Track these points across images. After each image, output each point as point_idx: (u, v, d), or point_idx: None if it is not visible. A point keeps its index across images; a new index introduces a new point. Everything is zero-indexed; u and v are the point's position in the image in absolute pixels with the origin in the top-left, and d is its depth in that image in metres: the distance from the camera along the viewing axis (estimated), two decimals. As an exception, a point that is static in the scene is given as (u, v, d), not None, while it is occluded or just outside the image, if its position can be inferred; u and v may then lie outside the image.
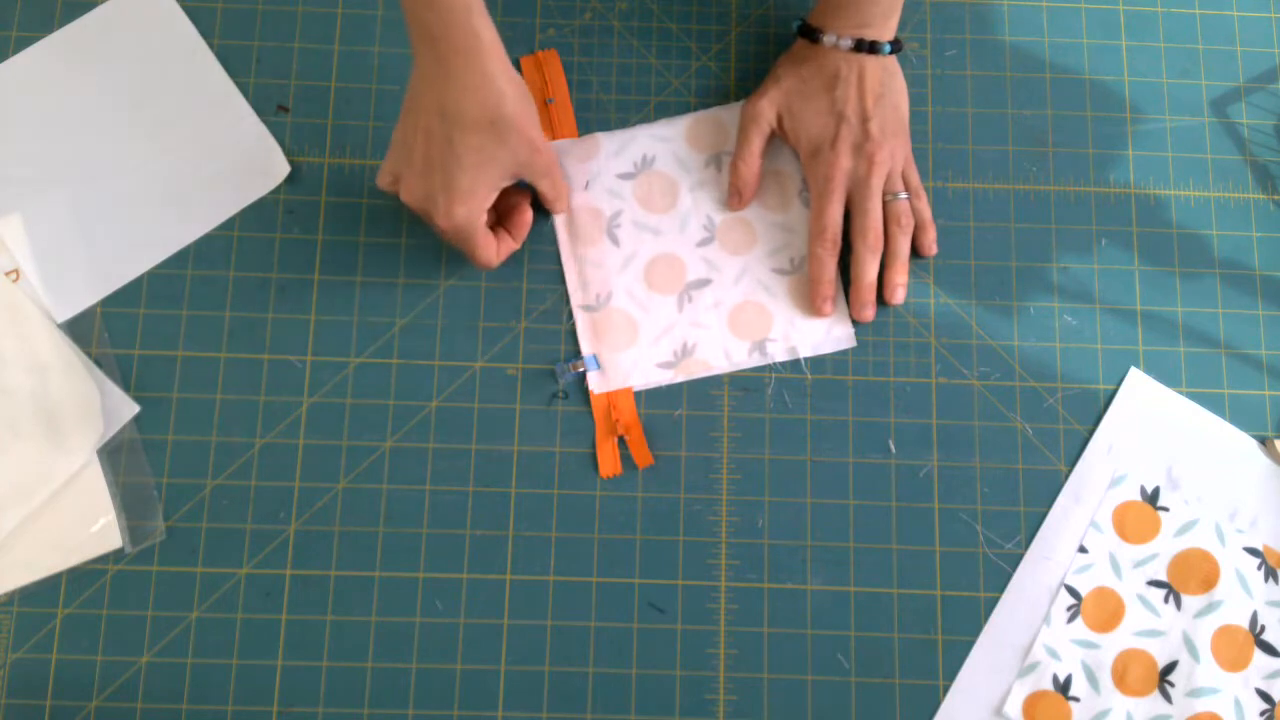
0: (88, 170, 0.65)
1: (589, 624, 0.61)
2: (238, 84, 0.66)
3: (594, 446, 0.62)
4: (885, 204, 0.63)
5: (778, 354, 0.63)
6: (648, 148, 0.66)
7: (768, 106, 0.64)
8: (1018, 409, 0.64)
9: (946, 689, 0.60)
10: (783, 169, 0.66)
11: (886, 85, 0.63)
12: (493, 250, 0.60)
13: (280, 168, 0.65)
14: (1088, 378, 0.64)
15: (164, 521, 0.61)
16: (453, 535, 0.61)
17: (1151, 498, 0.63)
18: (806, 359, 0.64)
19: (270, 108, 0.66)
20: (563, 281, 0.64)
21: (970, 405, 0.64)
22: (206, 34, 0.67)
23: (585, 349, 0.63)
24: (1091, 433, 0.64)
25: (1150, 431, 0.63)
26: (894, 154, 0.63)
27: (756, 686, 0.60)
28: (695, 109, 0.67)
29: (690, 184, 0.65)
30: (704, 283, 0.64)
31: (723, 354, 0.63)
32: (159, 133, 0.65)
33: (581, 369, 0.63)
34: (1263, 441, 0.64)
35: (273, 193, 0.65)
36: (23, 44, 0.66)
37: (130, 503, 0.61)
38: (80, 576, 0.60)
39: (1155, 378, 0.64)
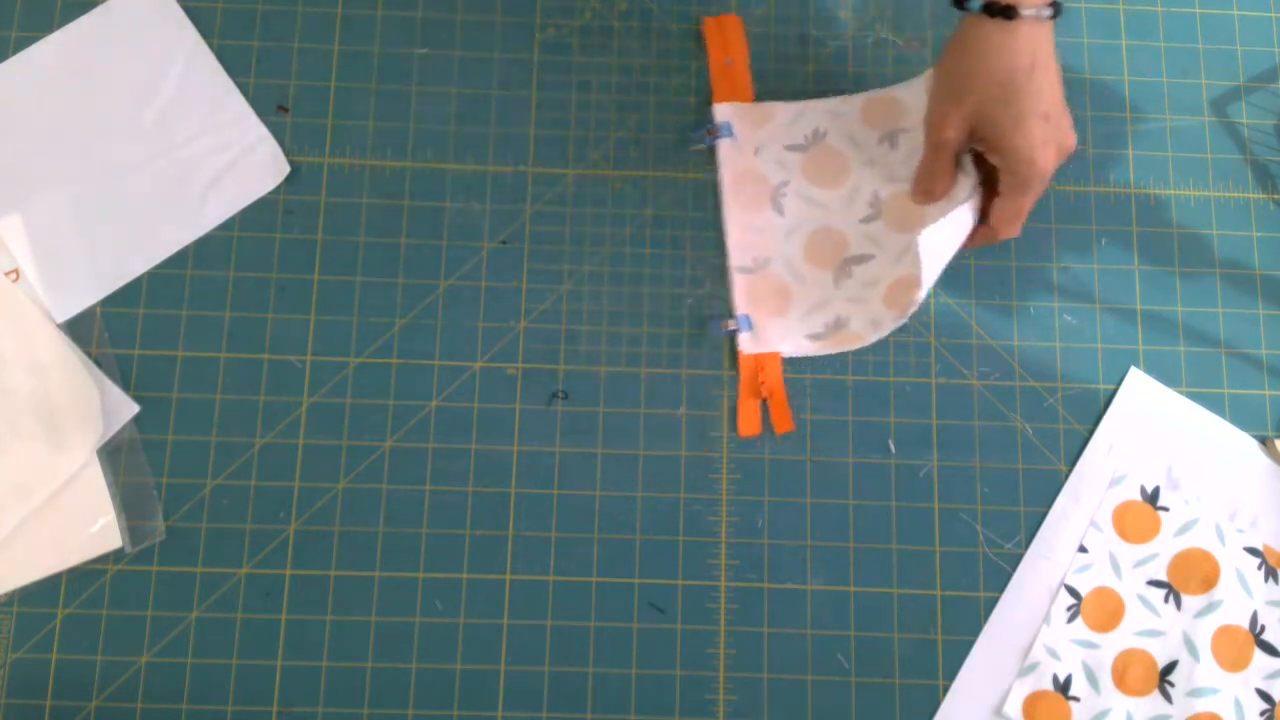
0: (88, 170, 0.65)
1: (589, 624, 0.61)
2: (238, 84, 0.66)
3: (734, 406, 0.63)
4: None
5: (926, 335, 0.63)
6: (820, 122, 0.66)
7: (954, 132, 0.57)
8: (1018, 409, 0.64)
9: (946, 689, 0.60)
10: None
11: (1055, 61, 0.56)
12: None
13: (280, 168, 0.65)
14: (1088, 378, 0.64)
15: (164, 521, 0.61)
16: (453, 535, 0.61)
17: (1151, 498, 0.63)
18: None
19: (270, 108, 0.66)
20: (561, 282, 0.64)
21: (970, 405, 0.64)
22: (206, 34, 0.67)
23: (738, 308, 0.64)
24: (1091, 433, 0.64)
25: (1150, 431, 0.63)
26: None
27: (756, 686, 0.60)
28: (696, 109, 0.67)
29: (861, 160, 0.65)
30: (864, 258, 0.64)
31: (872, 325, 0.63)
32: (159, 133, 0.65)
33: (733, 328, 0.63)
34: (1263, 441, 0.64)
35: (273, 193, 0.65)
36: (23, 44, 0.66)
37: (130, 503, 0.61)
38: (80, 576, 0.60)
39: (1155, 378, 0.64)
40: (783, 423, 0.63)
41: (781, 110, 0.66)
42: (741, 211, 0.65)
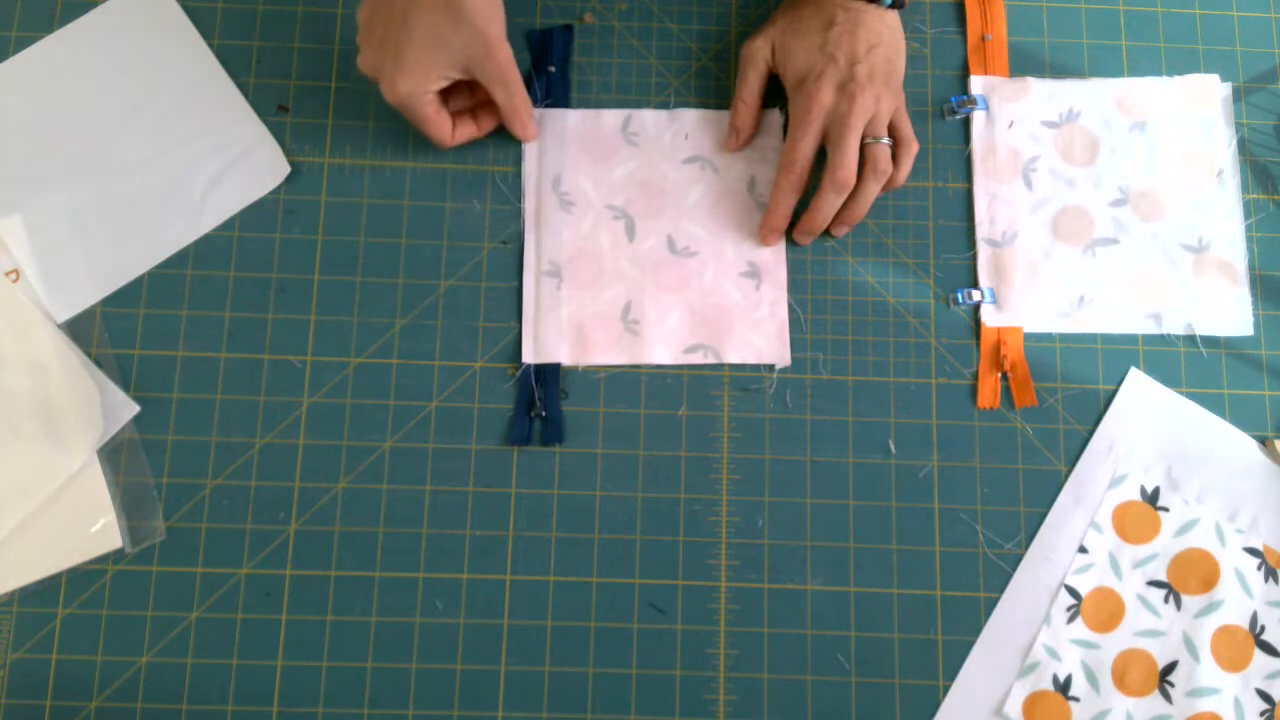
0: (88, 170, 0.65)
1: (589, 624, 0.61)
2: (238, 84, 0.66)
3: (975, 378, 0.63)
4: (864, 146, 0.62)
5: (1174, 328, 0.64)
6: (1075, 102, 0.67)
7: (762, 45, 0.64)
8: (1018, 409, 0.64)
9: (946, 689, 0.60)
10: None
11: (882, 37, 0.62)
12: (445, 130, 0.61)
13: (280, 168, 0.65)
14: (1088, 378, 0.64)
15: (164, 521, 0.61)
16: (453, 535, 0.61)
17: (1151, 498, 0.63)
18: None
19: (270, 108, 0.66)
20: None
21: (970, 406, 0.64)
22: (206, 34, 0.67)
23: (984, 281, 0.65)
24: (1091, 433, 0.64)
25: (1150, 432, 0.63)
26: (879, 100, 0.62)
27: (756, 686, 0.60)
28: (695, 109, 0.67)
29: (1112, 144, 0.66)
30: (1110, 242, 0.65)
31: (1119, 316, 0.64)
32: (159, 133, 0.65)
33: (978, 300, 0.64)
34: (1263, 441, 0.64)
35: (273, 193, 0.65)
36: (23, 44, 0.66)
37: (130, 503, 0.61)
38: (80, 576, 0.60)
39: (1155, 378, 0.64)
40: (1024, 396, 0.63)
41: (1038, 85, 0.67)
42: (990, 182, 0.66)
